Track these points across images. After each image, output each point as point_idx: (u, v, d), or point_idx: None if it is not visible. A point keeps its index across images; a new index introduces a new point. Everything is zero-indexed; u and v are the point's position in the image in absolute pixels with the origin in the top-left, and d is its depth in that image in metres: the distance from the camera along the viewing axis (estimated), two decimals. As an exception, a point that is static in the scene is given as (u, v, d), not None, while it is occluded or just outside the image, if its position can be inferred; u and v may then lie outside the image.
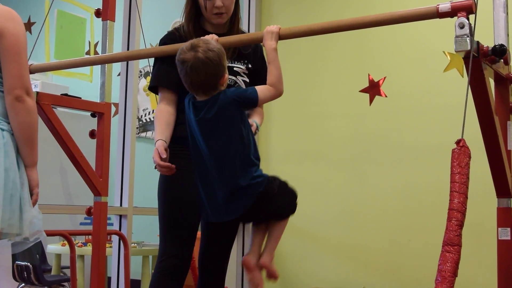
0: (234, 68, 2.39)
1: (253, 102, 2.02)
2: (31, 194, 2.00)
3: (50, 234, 2.94)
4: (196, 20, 2.45)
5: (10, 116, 1.95)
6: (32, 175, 2.01)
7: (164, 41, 2.46)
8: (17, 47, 1.95)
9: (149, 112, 5.47)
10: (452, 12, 1.74)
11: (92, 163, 2.95)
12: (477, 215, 3.42)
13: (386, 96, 4.22)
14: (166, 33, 2.50)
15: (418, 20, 1.90)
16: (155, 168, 2.20)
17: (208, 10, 2.39)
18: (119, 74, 4.23)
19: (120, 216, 3.95)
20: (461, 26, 1.69)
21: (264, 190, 2.02)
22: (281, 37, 2.04)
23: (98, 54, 5.51)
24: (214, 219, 2.08)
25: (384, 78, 4.23)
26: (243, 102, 1.99)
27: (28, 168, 2.00)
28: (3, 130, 1.94)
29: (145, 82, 5.42)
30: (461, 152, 1.64)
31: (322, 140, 4.51)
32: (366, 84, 4.29)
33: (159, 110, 2.37)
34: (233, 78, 2.37)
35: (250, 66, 2.41)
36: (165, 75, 2.39)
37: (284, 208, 2.22)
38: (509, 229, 1.99)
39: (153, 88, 2.43)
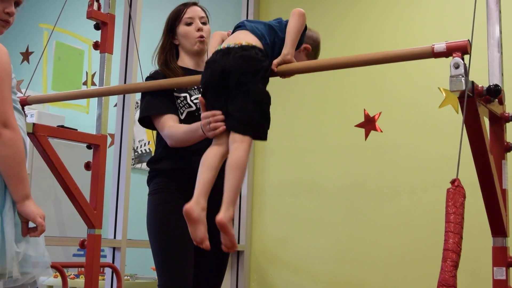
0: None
1: None
2: (35, 226, 1.90)
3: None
4: (171, 58, 2.54)
5: None
6: (24, 210, 1.89)
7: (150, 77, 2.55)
8: None
9: (144, 144, 5.47)
10: (447, 52, 1.76)
11: (87, 194, 2.95)
12: (472, 253, 3.41)
13: (381, 131, 4.23)
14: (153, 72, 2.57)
15: (414, 59, 1.93)
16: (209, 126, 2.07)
17: (191, 35, 2.50)
18: (115, 105, 4.24)
19: (114, 248, 3.93)
20: (456, 66, 1.71)
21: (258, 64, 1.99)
22: (278, 73, 2.06)
23: (95, 84, 5.52)
24: None
25: (380, 113, 4.24)
26: None
27: (18, 204, 1.89)
28: None
29: (141, 114, 5.43)
30: (456, 192, 1.64)
31: (317, 174, 4.51)
32: (362, 119, 4.31)
33: (171, 127, 2.39)
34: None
35: None
36: (161, 105, 2.44)
37: (252, 115, 1.95)
38: (504, 268, 1.98)
39: (144, 119, 2.47)
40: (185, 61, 2.57)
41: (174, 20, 2.58)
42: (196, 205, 1.89)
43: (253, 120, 1.94)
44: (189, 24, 2.54)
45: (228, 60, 1.98)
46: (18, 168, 1.90)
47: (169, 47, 2.57)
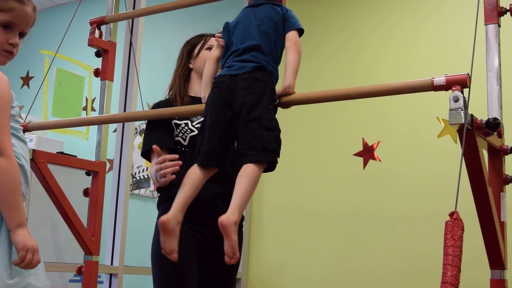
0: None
1: None
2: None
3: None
4: (184, 84, 2.67)
5: None
6: (14, 239, 1.87)
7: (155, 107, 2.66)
8: None
9: (143, 170, 5.47)
10: (447, 86, 1.77)
11: (84, 220, 2.94)
12: (469, 285, 3.39)
13: (380, 161, 4.24)
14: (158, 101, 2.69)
15: (413, 92, 1.94)
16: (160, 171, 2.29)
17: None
18: (115, 131, 4.25)
19: (111, 274, 3.91)
20: (456, 100, 1.72)
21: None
22: (279, 104, 2.07)
23: (95, 110, 5.54)
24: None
25: (378, 142, 4.26)
26: None
27: (11, 232, 1.87)
28: None
29: (140, 139, 5.44)
30: (454, 224, 1.64)
31: (315, 202, 4.51)
32: (360, 148, 4.32)
33: (153, 166, 2.47)
34: None
35: None
36: (156, 138, 2.52)
37: (268, 141, 1.95)
38: (502, 301, 1.98)
39: (146, 153, 2.56)
40: (194, 87, 2.67)
41: (196, 44, 2.72)
42: (173, 219, 1.91)
43: (270, 147, 1.95)
44: (209, 49, 2.65)
45: (235, 81, 2.00)
46: (12, 197, 1.88)
47: (184, 70, 2.70)
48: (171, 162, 2.30)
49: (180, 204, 1.95)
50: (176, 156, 2.32)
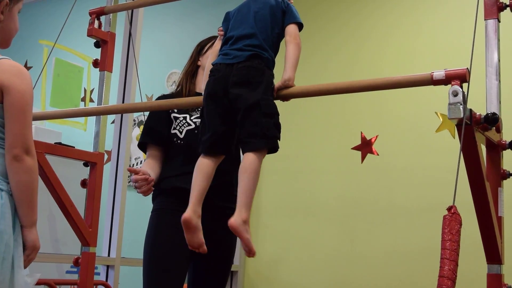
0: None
1: None
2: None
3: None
4: (191, 80, 2.72)
5: (9, 175, 1.90)
6: (28, 236, 1.92)
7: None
8: (22, 104, 1.92)
9: (141, 161, 5.47)
10: (446, 80, 1.77)
11: (82, 211, 2.94)
12: (466, 280, 3.40)
13: (378, 155, 4.24)
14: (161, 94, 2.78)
15: (413, 86, 1.94)
16: (135, 188, 2.43)
17: None
18: (113, 122, 4.25)
19: (107, 266, 3.91)
20: (455, 94, 1.72)
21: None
22: (278, 97, 2.07)
23: (93, 101, 5.53)
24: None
25: (377, 136, 4.26)
26: None
27: (25, 229, 1.92)
28: (1, 190, 1.89)
29: (138, 131, 5.44)
30: (452, 219, 1.64)
31: (313, 196, 4.51)
32: (359, 142, 4.32)
33: (143, 164, 2.59)
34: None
35: None
36: (151, 132, 2.60)
37: (267, 127, 1.97)
38: (499, 295, 1.98)
39: (142, 145, 2.64)
40: (200, 84, 2.70)
41: (206, 44, 2.77)
42: (193, 214, 1.94)
43: (270, 133, 1.96)
44: None
45: (231, 70, 2.01)
46: (33, 195, 1.93)
47: (192, 67, 2.75)
48: (144, 182, 2.42)
49: (197, 198, 1.97)
50: (145, 176, 2.43)
